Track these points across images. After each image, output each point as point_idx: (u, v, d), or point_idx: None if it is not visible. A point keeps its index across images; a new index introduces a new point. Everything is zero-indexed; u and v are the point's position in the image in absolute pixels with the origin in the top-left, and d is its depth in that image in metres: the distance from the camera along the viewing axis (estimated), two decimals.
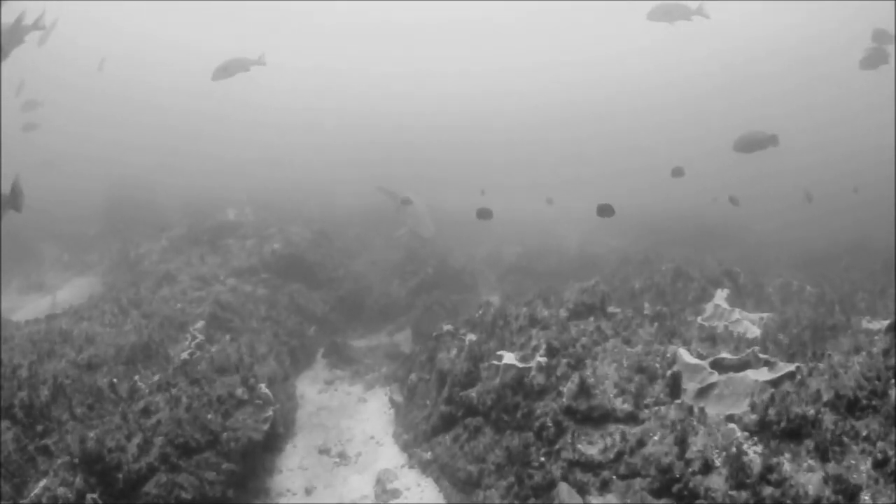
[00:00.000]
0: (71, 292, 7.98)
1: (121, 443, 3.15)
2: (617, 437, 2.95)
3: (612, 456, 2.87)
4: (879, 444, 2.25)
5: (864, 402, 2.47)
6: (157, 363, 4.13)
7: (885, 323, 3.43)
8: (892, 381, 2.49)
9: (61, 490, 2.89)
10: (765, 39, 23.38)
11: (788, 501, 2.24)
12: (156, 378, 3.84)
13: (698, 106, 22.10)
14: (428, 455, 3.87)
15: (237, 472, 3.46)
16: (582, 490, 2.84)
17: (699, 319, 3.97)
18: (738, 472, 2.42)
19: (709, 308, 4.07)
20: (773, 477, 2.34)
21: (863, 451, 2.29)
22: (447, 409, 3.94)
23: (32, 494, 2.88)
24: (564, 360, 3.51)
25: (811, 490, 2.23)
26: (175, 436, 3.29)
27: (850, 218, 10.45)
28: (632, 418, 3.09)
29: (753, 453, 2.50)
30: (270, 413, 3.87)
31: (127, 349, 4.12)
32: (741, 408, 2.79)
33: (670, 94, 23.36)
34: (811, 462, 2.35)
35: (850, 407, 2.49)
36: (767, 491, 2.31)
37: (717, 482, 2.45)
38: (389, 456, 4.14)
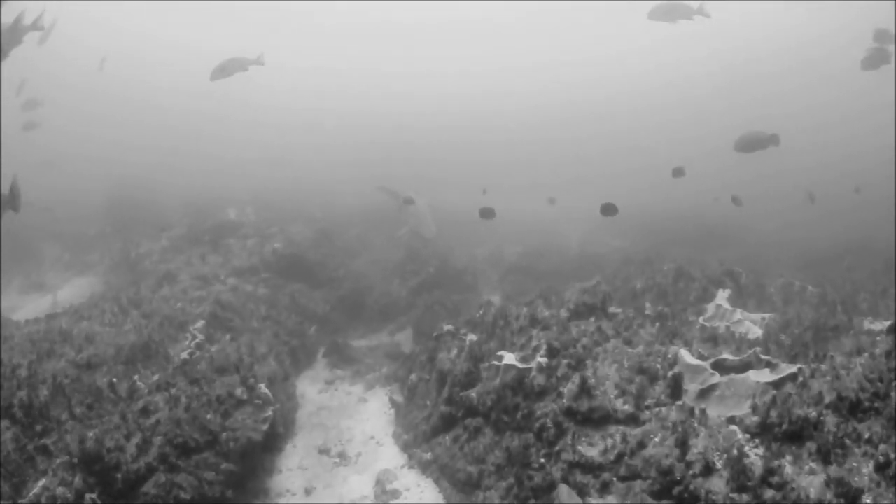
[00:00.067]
0: (71, 292, 7.99)
1: (120, 443, 3.14)
2: (617, 438, 2.94)
3: (612, 457, 2.86)
4: (881, 447, 2.24)
5: (867, 404, 2.46)
6: (156, 363, 4.12)
7: (887, 324, 3.42)
8: (895, 383, 2.48)
9: (60, 490, 2.88)
10: (765, 40, 23.38)
11: None
12: (155, 378, 3.83)
13: (698, 106, 22.09)
14: (428, 455, 3.87)
15: (236, 472, 3.46)
16: (582, 492, 2.83)
17: (701, 320, 3.95)
18: (740, 475, 2.40)
19: (710, 308, 4.05)
20: (775, 480, 2.33)
21: (865, 454, 2.28)
22: (447, 409, 3.93)
23: (31, 494, 2.87)
24: (565, 361, 3.50)
25: (813, 493, 2.22)
26: (174, 436, 3.29)
27: (852, 218, 10.43)
28: (632, 420, 3.08)
29: (755, 456, 2.49)
30: (270, 413, 3.87)
31: (126, 349, 4.12)
32: (743, 409, 2.78)
33: (670, 94, 23.36)
34: (813, 465, 2.34)
35: (852, 409, 2.48)
36: (769, 494, 2.30)
37: (717, 485, 2.44)
38: (389, 456, 4.13)
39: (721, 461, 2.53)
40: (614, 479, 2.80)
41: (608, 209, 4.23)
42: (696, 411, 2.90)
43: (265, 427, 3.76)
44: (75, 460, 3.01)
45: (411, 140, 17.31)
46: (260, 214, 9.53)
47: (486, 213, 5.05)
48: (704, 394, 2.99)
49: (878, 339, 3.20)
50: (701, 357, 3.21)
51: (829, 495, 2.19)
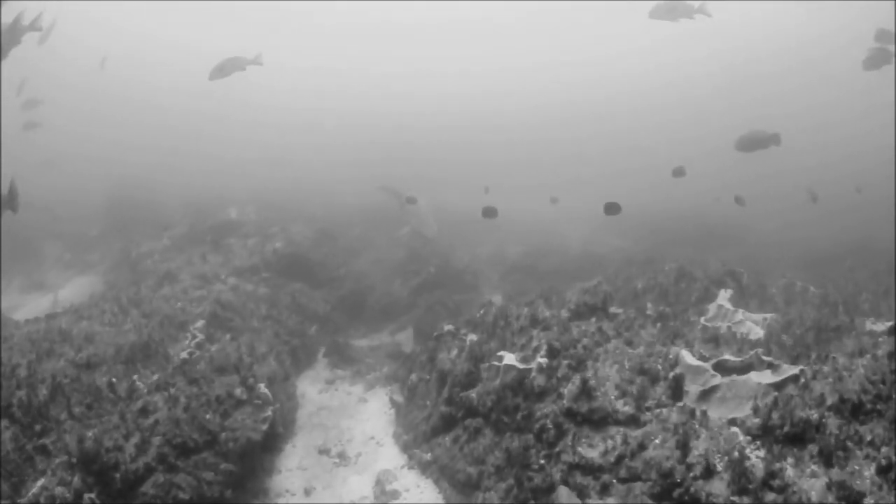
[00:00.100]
0: (72, 291, 7.99)
1: (118, 442, 3.13)
2: (618, 439, 2.93)
3: (612, 459, 2.85)
4: (884, 450, 2.22)
5: (869, 406, 2.44)
6: (156, 362, 4.12)
7: (888, 325, 3.40)
8: None
9: (59, 490, 2.88)
10: (765, 40, 23.36)
11: None
12: (155, 377, 3.83)
13: (698, 106, 22.08)
14: (428, 456, 3.86)
15: (235, 472, 3.45)
16: (582, 493, 2.81)
17: (702, 320, 3.93)
18: (741, 478, 2.39)
19: (712, 308, 4.02)
20: (776, 483, 2.31)
21: (867, 457, 2.26)
22: (447, 409, 3.92)
23: (30, 494, 2.87)
24: (565, 362, 3.49)
25: (814, 496, 2.20)
26: (173, 436, 3.28)
27: (852, 218, 10.42)
28: (633, 421, 3.06)
29: (756, 458, 2.48)
30: (269, 413, 3.86)
31: (126, 348, 4.11)
32: (744, 411, 2.77)
33: (670, 94, 23.35)
34: (814, 468, 2.32)
35: (854, 411, 2.46)
36: (770, 497, 2.29)
37: (718, 487, 2.42)
38: (389, 457, 4.12)
39: (722, 463, 2.52)
40: (614, 480, 2.79)
41: (612, 208, 4.22)
42: (697, 413, 2.89)
43: (264, 427, 3.75)
44: (74, 460, 3.01)
45: (411, 140, 17.31)
46: (261, 214, 9.53)
47: (489, 213, 5.04)
48: (706, 395, 2.97)
49: (879, 339, 3.18)
50: (702, 358, 3.20)
51: (830, 498, 2.18)
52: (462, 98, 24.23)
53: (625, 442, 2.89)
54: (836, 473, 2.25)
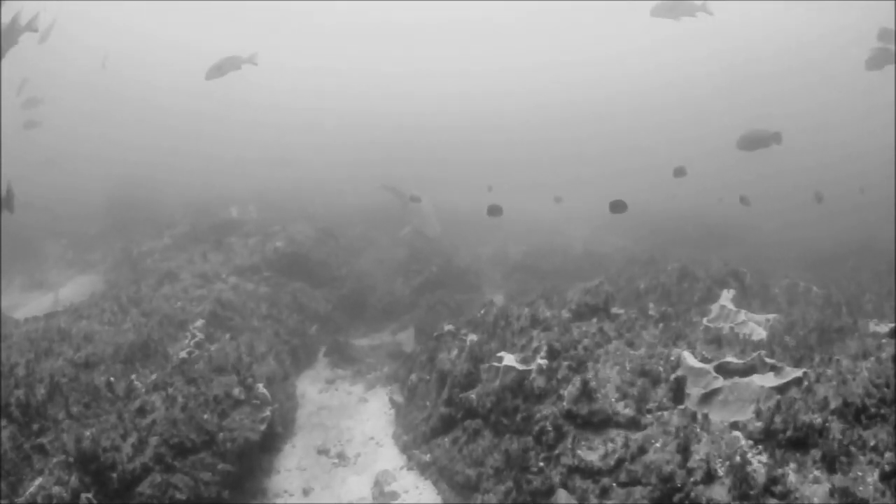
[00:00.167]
0: (73, 290, 7.98)
1: (116, 442, 3.12)
2: (618, 442, 2.90)
3: (612, 462, 2.82)
4: (887, 455, 2.19)
5: (873, 410, 2.41)
6: (155, 362, 4.10)
7: (891, 326, 3.37)
8: None
9: (56, 489, 2.86)
10: (765, 40, 23.33)
11: None
12: (153, 377, 3.81)
13: (699, 106, 22.07)
14: (427, 457, 3.84)
15: (233, 472, 3.43)
16: (581, 497, 2.79)
17: (704, 320, 3.90)
18: (742, 483, 2.35)
19: (714, 309, 3.99)
20: (778, 489, 2.27)
21: (870, 462, 2.22)
22: (447, 410, 3.90)
23: (28, 493, 2.86)
24: (566, 363, 3.46)
25: (816, 502, 2.17)
26: (170, 436, 3.27)
27: (853, 218, 10.39)
28: (633, 424, 3.03)
29: (758, 463, 2.44)
30: (268, 413, 3.84)
31: (125, 348, 4.10)
32: (746, 415, 2.74)
33: (670, 94, 23.35)
34: (817, 473, 2.29)
35: (857, 415, 2.43)
36: (771, 503, 2.26)
37: (719, 493, 2.39)
38: (389, 457, 4.10)
39: (723, 468, 2.49)
40: (614, 484, 2.76)
41: (617, 206, 4.18)
42: (699, 416, 2.86)
43: (263, 427, 3.74)
44: (71, 459, 3.00)
45: (411, 140, 17.31)
46: (262, 213, 9.53)
47: (494, 211, 5.00)
48: (707, 398, 2.94)
49: (883, 341, 3.15)
50: (704, 360, 3.17)
51: None
52: (462, 98, 24.26)
53: (625, 445, 2.87)
54: (838, 479, 2.22)
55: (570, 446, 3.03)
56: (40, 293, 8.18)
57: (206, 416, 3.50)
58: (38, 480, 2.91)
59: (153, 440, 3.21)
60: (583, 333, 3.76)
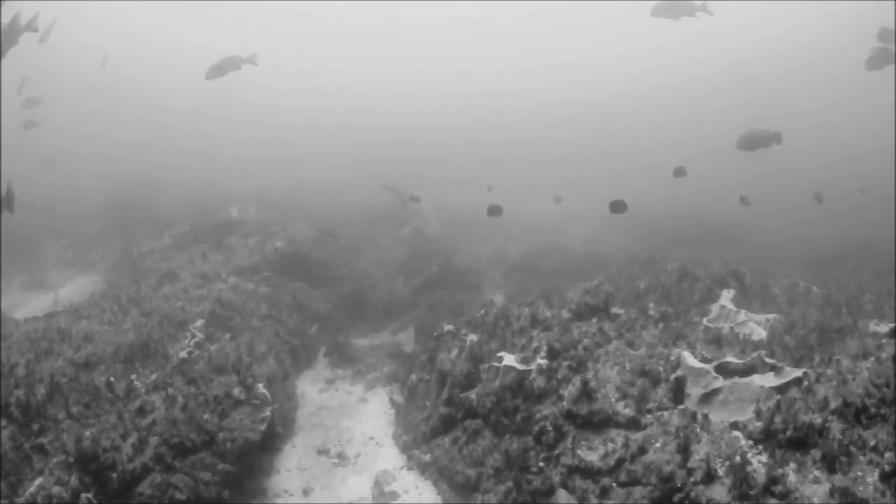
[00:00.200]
0: (73, 290, 7.99)
1: (116, 442, 3.12)
2: (618, 442, 2.90)
3: (612, 462, 2.82)
4: (887, 455, 2.19)
5: (873, 410, 2.40)
6: (155, 362, 4.10)
7: (890, 326, 3.37)
8: None
9: (56, 489, 2.87)
10: (766, 40, 23.35)
11: None
12: (153, 377, 3.81)
13: (699, 106, 22.08)
14: (427, 457, 3.84)
15: (233, 472, 3.43)
16: (581, 497, 2.79)
17: (704, 320, 3.89)
18: (742, 483, 2.35)
19: (714, 309, 3.99)
20: (778, 489, 2.27)
21: (870, 462, 2.22)
22: (447, 410, 3.90)
23: (28, 493, 2.86)
24: (566, 363, 3.46)
25: (816, 503, 2.17)
26: (170, 436, 3.27)
27: (853, 219, 10.40)
28: (633, 424, 3.03)
29: (758, 463, 2.44)
30: (268, 413, 3.84)
31: (125, 348, 4.10)
32: (746, 415, 2.74)
33: (671, 95, 23.36)
34: (817, 473, 2.29)
35: (857, 415, 2.43)
36: (771, 503, 2.26)
37: (719, 493, 2.39)
38: (389, 457, 4.10)
39: (723, 468, 2.49)
40: (614, 484, 2.76)
41: (617, 206, 4.18)
42: (699, 416, 2.86)
43: (263, 427, 3.74)
44: (71, 459, 3.00)
45: (411, 140, 17.33)
46: (262, 213, 9.53)
47: (494, 211, 5.00)
48: (707, 398, 2.94)
49: (883, 341, 3.15)
50: (704, 360, 3.17)
51: None
52: (462, 98, 24.26)
53: (625, 445, 2.87)
54: (838, 479, 2.21)
55: (570, 446, 3.03)
56: (40, 293, 8.19)
57: (206, 416, 3.50)
58: (38, 480, 2.92)
59: (153, 440, 3.21)
60: (583, 333, 3.76)
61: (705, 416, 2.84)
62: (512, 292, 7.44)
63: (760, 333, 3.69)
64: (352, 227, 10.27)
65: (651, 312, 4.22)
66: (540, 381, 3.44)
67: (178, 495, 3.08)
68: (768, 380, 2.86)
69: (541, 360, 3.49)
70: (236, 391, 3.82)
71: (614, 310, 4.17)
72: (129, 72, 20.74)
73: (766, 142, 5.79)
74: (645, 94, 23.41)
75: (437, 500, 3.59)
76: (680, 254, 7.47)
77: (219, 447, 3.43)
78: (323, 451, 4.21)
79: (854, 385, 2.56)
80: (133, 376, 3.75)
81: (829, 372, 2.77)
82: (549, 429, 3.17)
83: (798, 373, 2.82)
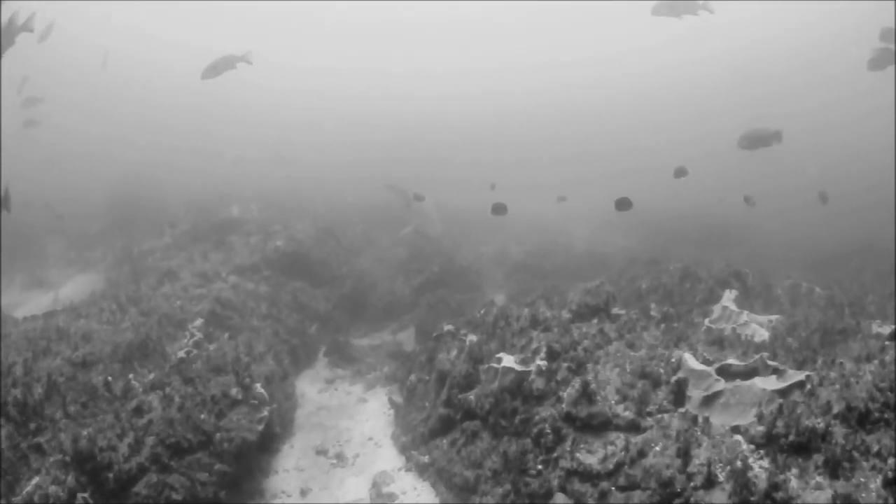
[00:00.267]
0: (73, 289, 7.99)
1: (112, 442, 3.11)
2: (618, 445, 2.87)
3: (611, 466, 2.79)
4: (890, 461, 2.15)
5: (876, 414, 2.37)
6: (153, 361, 4.09)
7: (893, 328, 3.33)
8: None
9: (53, 489, 2.85)
10: (767, 40, 23.28)
11: None
12: (151, 377, 3.79)
13: (699, 106, 22.02)
14: (425, 458, 3.81)
15: (230, 472, 3.41)
16: (579, 501, 2.76)
17: (706, 321, 3.86)
18: (743, 489, 2.31)
19: (716, 310, 3.95)
20: (780, 495, 2.23)
21: (873, 468, 2.19)
22: (445, 411, 3.88)
23: (25, 492, 2.85)
24: (565, 365, 3.43)
25: None
26: (166, 436, 3.25)
27: (853, 219, 10.36)
28: (633, 427, 3.00)
29: (759, 468, 2.41)
30: (265, 413, 3.82)
31: (123, 347, 4.08)
32: (748, 419, 2.70)
33: (671, 95, 23.30)
34: (819, 479, 2.25)
35: (861, 420, 2.39)
36: None
37: (720, 498, 2.36)
38: (387, 458, 4.09)
39: (724, 473, 2.45)
40: (613, 488, 2.73)
41: (623, 203, 4.15)
42: (700, 419, 2.83)
43: (260, 427, 3.72)
44: (68, 459, 2.98)
45: (411, 140, 17.31)
46: (263, 212, 9.51)
47: (498, 209, 4.96)
48: (708, 401, 2.91)
49: (886, 343, 3.12)
50: (706, 361, 3.14)
51: None
52: (462, 98, 24.22)
53: (625, 448, 2.84)
54: (841, 485, 2.18)
55: (568, 449, 3.00)
56: (41, 292, 8.19)
57: (203, 416, 3.48)
58: (35, 480, 2.90)
59: (150, 440, 3.19)
60: (583, 334, 3.73)
61: (706, 420, 2.81)
62: (513, 292, 7.42)
63: (763, 335, 3.65)
64: (352, 226, 10.24)
65: (653, 313, 4.19)
66: (539, 383, 3.41)
67: (175, 496, 3.07)
68: (770, 383, 2.83)
69: (540, 362, 3.47)
70: (234, 391, 3.81)
71: (615, 310, 4.14)
72: (129, 71, 20.75)
73: (766, 140, 5.77)
74: (645, 94, 23.35)
75: (435, 502, 3.57)
76: (681, 254, 7.44)
77: (216, 447, 3.41)
78: (321, 452, 4.20)
79: (857, 389, 2.52)
80: (130, 376, 3.73)
81: (832, 375, 2.73)
82: (548, 431, 3.14)
83: (801, 376, 2.79)
